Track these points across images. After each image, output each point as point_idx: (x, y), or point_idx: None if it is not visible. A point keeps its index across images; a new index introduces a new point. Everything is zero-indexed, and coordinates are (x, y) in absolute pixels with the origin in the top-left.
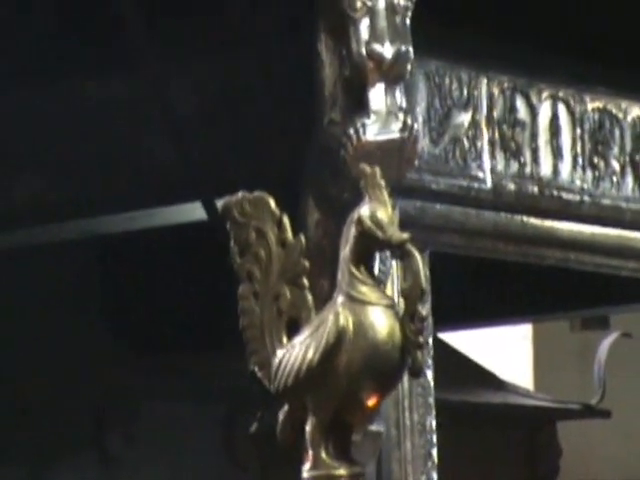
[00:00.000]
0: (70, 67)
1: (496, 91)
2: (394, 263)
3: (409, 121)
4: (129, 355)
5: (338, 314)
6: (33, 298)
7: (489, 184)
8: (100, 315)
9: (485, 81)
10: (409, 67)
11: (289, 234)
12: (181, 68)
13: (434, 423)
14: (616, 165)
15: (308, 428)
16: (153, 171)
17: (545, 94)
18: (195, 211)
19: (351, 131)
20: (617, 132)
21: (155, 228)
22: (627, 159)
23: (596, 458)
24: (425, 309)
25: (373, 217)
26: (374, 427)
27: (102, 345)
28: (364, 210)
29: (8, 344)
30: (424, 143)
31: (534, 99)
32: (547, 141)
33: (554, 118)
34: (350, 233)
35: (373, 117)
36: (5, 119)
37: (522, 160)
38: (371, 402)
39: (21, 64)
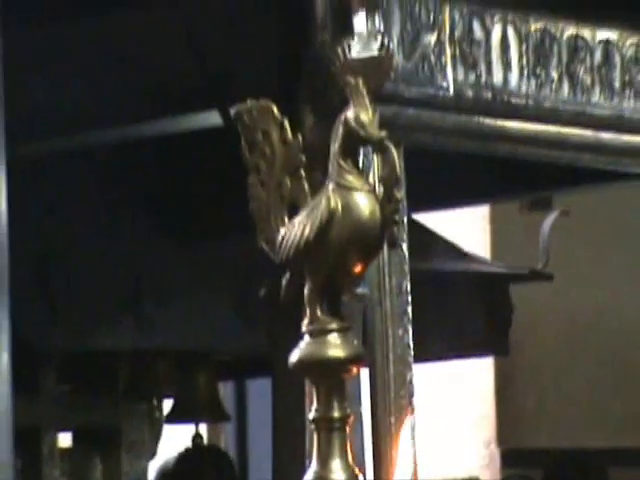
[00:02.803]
0: None
1: (457, 16)
2: (374, 157)
3: (385, 42)
4: (164, 237)
5: (329, 198)
6: (84, 193)
7: (451, 91)
8: (140, 205)
9: (448, 8)
10: None
11: (289, 135)
12: None
13: (409, 286)
14: (554, 75)
15: (306, 291)
16: (177, 85)
17: (496, 18)
18: (212, 118)
19: (339, 50)
20: (555, 48)
21: (180, 132)
22: (563, 70)
23: (542, 316)
24: (400, 193)
25: (357, 119)
26: (360, 290)
27: (142, 230)
28: (349, 113)
29: (62, 227)
30: (398, 59)
31: (487, 22)
32: (498, 56)
33: (504, 37)
34: (338, 132)
35: (356, 39)
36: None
37: (478, 72)
38: (357, 269)
39: None
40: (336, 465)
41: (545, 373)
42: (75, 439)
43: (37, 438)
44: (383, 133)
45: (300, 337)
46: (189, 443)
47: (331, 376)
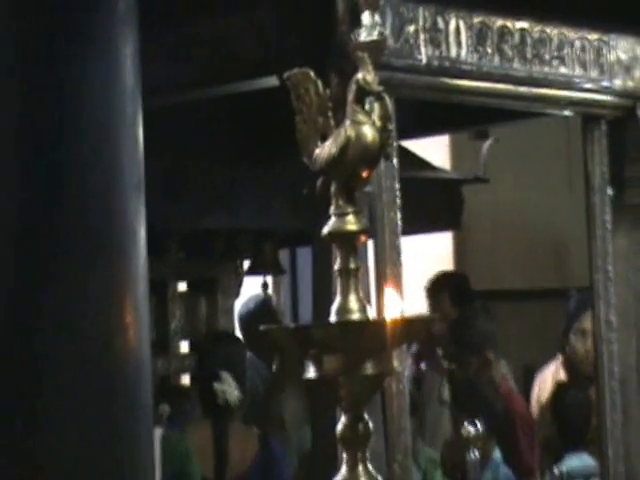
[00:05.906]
0: None
1: (427, 14)
2: (375, 103)
3: (382, 31)
4: (248, 155)
5: (346, 129)
6: (198, 129)
7: (424, 62)
8: (233, 137)
9: (421, 9)
10: (381, 2)
11: (321, 90)
12: None
13: (397, 184)
14: (489, 50)
15: (332, 189)
16: (249, 59)
17: (452, 15)
18: (272, 81)
19: (352, 36)
20: (489, 33)
21: (256, 90)
22: (495, 47)
23: (484, 209)
24: (391, 126)
25: (364, 79)
26: (367, 189)
27: (236, 150)
28: (359, 75)
29: (188, 152)
30: (390, 42)
31: (446, 17)
32: (453, 39)
33: (457, 27)
34: (352, 88)
35: (363, 28)
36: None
37: (441, 49)
38: (365, 175)
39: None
40: (352, 299)
41: (487, 246)
42: (188, 286)
43: (164, 287)
44: (381, 88)
45: (329, 217)
46: (259, 288)
47: (348, 243)
